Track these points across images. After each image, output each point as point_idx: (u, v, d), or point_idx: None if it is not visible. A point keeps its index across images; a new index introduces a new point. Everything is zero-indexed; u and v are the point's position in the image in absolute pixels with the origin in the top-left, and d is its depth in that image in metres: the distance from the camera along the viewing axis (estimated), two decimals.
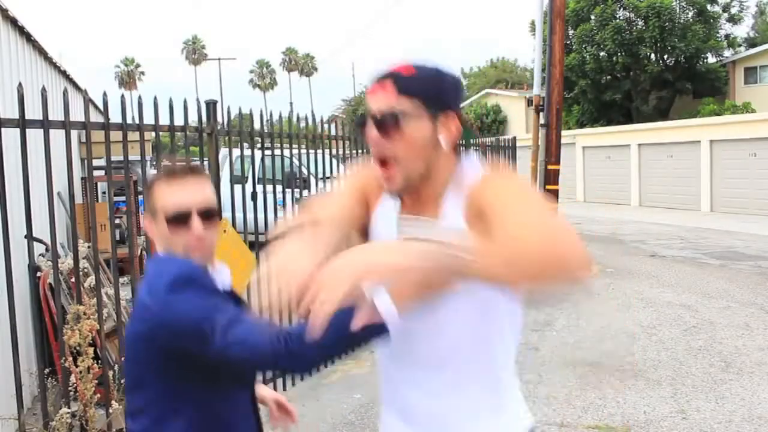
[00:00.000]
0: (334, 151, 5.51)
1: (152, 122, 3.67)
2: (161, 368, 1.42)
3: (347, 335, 1.20)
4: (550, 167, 9.84)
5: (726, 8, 26.69)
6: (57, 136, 3.33)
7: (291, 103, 60.19)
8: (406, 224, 1.36)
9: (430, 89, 1.28)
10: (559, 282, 1.09)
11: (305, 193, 6.91)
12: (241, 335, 1.30)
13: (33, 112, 3.99)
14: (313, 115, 5.30)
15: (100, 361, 3.32)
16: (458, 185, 1.32)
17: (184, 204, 1.46)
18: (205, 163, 4.13)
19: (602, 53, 26.14)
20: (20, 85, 2.98)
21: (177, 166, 1.50)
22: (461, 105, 1.39)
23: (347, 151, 5.88)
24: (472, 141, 1.41)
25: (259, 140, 4.82)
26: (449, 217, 1.31)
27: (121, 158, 3.59)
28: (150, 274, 1.49)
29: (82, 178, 6.99)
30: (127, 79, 61.79)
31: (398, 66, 1.29)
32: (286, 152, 5.05)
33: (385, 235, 1.39)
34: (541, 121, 9.92)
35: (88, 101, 3.37)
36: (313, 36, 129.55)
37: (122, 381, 3.40)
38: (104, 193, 7.47)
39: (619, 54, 25.91)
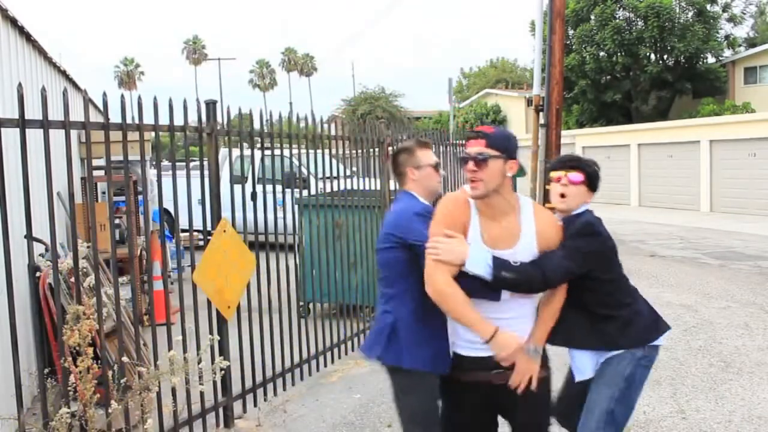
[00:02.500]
0: (333, 151, 5.51)
1: (152, 122, 3.67)
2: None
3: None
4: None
5: (726, 8, 26.69)
6: (57, 136, 3.33)
7: (291, 103, 60.17)
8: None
9: (504, 144, 2.44)
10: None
11: (305, 192, 6.90)
12: None
13: (33, 112, 3.99)
14: (313, 115, 5.30)
15: (99, 361, 3.32)
16: (524, 208, 2.48)
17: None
18: (205, 163, 4.13)
19: (602, 53, 26.13)
20: (20, 85, 2.98)
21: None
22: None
23: (347, 151, 5.87)
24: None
25: (259, 140, 4.81)
26: (525, 230, 2.45)
27: (121, 158, 3.59)
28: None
29: (81, 178, 6.97)
30: (127, 79, 61.75)
31: (486, 128, 2.47)
32: (286, 152, 5.05)
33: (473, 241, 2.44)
34: (541, 121, 9.91)
35: (87, 101, 3.37)
36: (313, 36, 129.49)
37: (122, 381, 3.41)
38: (104, 193, 7.45)
39: (618, 54, 25.90)
